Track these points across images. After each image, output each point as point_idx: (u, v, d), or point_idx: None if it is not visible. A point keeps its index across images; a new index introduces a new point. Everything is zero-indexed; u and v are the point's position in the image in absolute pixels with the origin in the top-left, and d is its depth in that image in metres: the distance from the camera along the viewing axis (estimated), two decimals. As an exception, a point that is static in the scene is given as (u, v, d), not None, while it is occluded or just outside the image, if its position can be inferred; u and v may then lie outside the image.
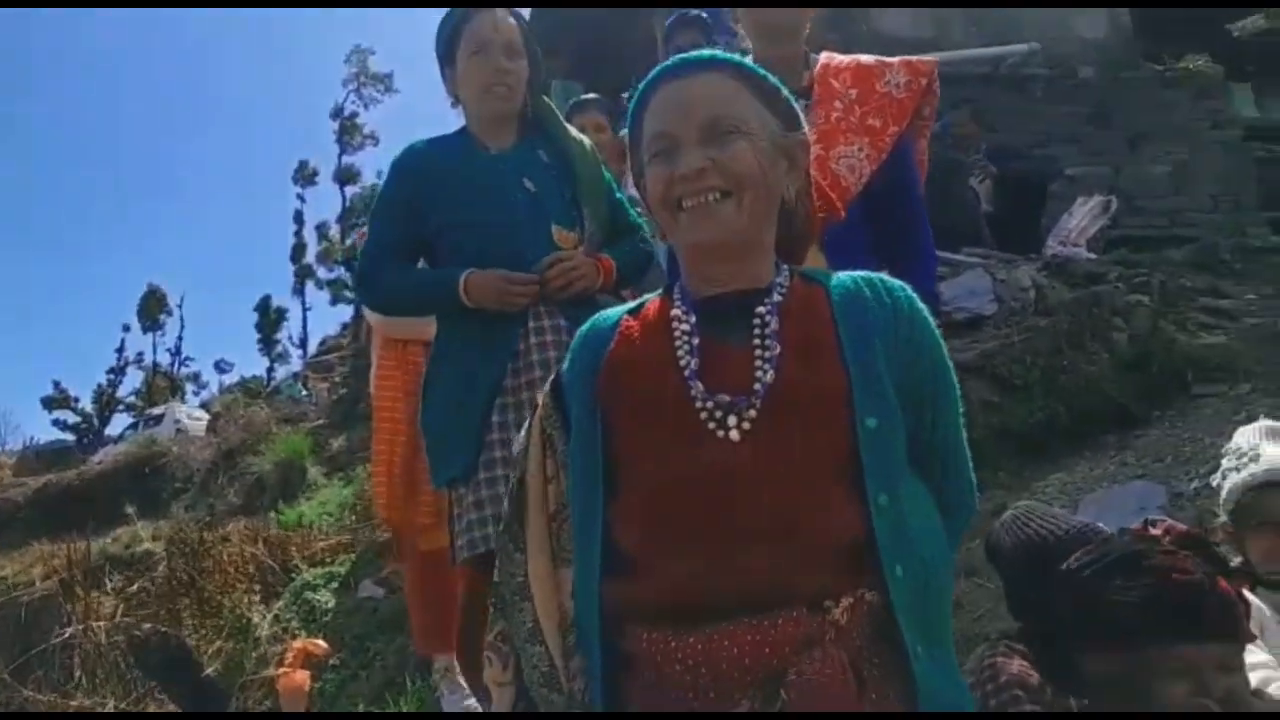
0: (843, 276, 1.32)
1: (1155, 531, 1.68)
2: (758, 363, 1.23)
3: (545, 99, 2.55)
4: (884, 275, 1.34)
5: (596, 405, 1.30)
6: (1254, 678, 1.71)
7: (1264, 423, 2.24)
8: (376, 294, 2.50)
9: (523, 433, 1.45)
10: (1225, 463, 2.21)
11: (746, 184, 1.27)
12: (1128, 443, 3.91)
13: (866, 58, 2.44)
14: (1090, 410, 4.08)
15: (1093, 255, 5.74)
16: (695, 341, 1.26)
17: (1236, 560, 2.07)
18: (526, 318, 2.31)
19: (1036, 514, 2.03)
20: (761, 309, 1.27)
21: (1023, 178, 6.47)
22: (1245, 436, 2.20)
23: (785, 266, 1.34)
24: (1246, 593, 1.79)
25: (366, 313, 3.62)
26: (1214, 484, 2.31)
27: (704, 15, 4.44)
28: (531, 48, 2.46)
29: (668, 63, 1.35)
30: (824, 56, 2.42)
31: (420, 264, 2.50)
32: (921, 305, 1.32)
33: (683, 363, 1.25)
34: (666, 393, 1.24)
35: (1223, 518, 2.20)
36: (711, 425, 1.20)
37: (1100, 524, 2.05)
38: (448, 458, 2.33)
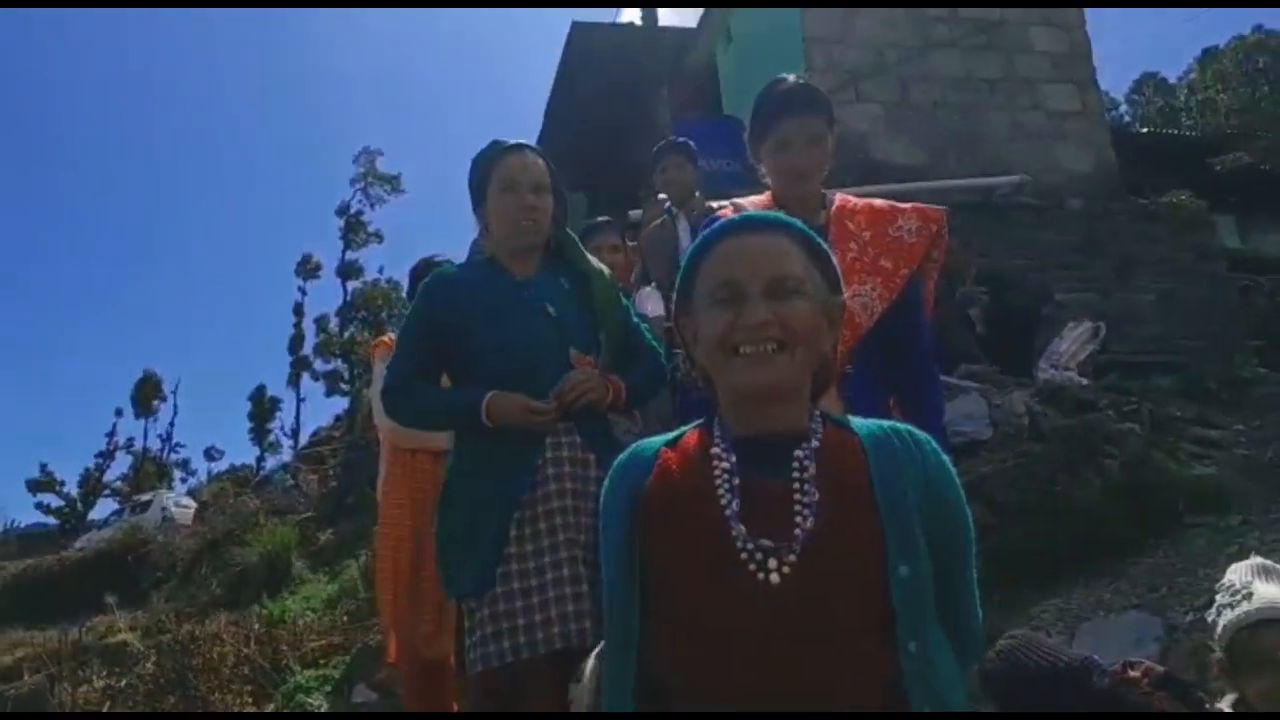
0: (871, 425, 1.40)
1: (1134, 674, 1.73)
2: (797, 508, 1.28)
3: (568, 231, 2.71)
4: (910, 426, 1.41)
5: (634, 534, 1.35)
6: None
7: (1255, 560, 2.28)
8: (401, 409, 2.59)
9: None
10: (1219, 599, 2.25)
11: (801, 339, 1.37)
12: (1123, 571, 3.95)
13: (879, 201, 2.59)
14: (1085, 537, 4.12)
15: (1084, 380, 5.88)
16: (736, 482, 1.32)
17: (1232, 698, 2.11)
18: (544, 435, 2.41)
19: (1034, 646, 2.07)
20: (799, 453, 1.33)
21: (1015, 302, 6.66)
22: (1238, 574, 2.25)
23: (817, 413, 1.41)
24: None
25: (378, 420, 3.69)
26: (1208, 619, 2.34)
27: (690, 143, 4.63)
28: (557, 185, 2.64)
29: (737, 217, 1.47)
30: (839, 197, 2.56)
31: (444, 379, 2.61)
32: (945, 457, 1.39)
33: (724, 502, 1.30)
34: (707, 529, 1.29)
35: (1218, 654, 2.24)
36: (752, 567, 1.25)
37: (1096, 656, 2.10)
38: (463, 571, 2.39)
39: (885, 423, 1.41)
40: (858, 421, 1.42)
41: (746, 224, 1.45)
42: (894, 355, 2.41)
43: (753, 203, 2.48)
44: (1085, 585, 3.92)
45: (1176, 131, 18.42)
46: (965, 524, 1.38)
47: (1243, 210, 13.46)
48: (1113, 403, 5.29)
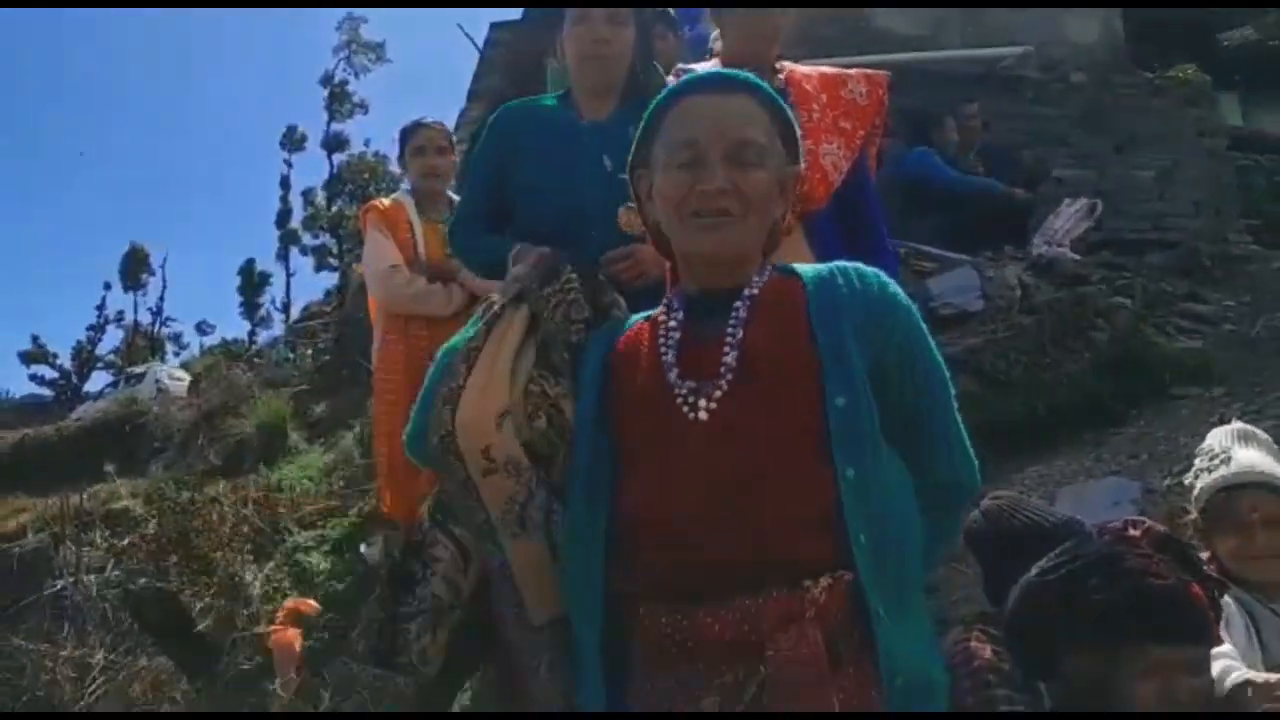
0: (819, 267, 1.45)
1: (1134, 533, 1.76)
2: (725, 348, 1.34)
3: (658, 69, 2.47)
4: (859, 264, 1.45)
5: (600, 400, 1.43)
6: (1216, 667, 1.82)
7: (1236, 425, 2.34)
8: (460, 255, 2.56)
9: None
10: (1198, 463, 2.31)
11: (756, 209, 1.39)
12: (1104, 440, 4.04)
13: (827, 68, 2.58)
14: (1070, 407, 4.20)
15: (1077, 256, 5.85)
16: (677, 336, 1.39)
17: (1204, 555, 2.18)
18: None
19: (1021, 505, 2.11)
20: (739, 302, 1.39)
21: (1011, 178, 6.57)
22: (1218, 438, 2.30)
23: (768, 266, 1.46)
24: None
25: (371, 288, 3.67)
26: (1186, 482, 2.40)
27: (669, 11, 4.42)
28: (642, 16, 2.38)
29: (707, 73, 1.49)
30: (787, 64, 2.53)
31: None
32: (896, 289, 1.42)
33: (663, 353, 1.38)
34: (652, 382, 1.37)
35: (1193, 515, 2.30)
36: (685, 409, 1.32)
37: (1079, 517, 2.15)
38: None
39: (834, 264, 1.44)
40: (807, 267, 1.46)
41: (716, 81, 1.44)
42: (851, 214, 2.42)
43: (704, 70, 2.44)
44: (1068, 453, 4.01)
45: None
46: (921, 351, 1.41)
47: (1246, 87, 13.17)
48: (1105, 278, 5.30)
